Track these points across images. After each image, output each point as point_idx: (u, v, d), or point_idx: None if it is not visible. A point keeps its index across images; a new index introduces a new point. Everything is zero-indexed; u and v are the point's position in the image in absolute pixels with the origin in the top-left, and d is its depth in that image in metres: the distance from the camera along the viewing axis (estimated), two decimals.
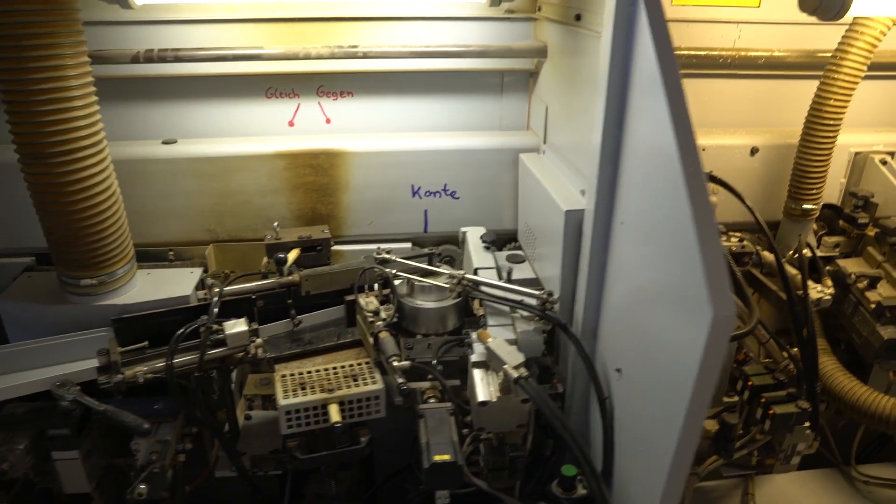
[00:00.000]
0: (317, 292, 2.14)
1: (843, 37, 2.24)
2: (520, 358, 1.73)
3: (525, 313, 1.95)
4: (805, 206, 2.44)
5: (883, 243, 2.43)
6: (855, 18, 2.22)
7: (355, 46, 2.18)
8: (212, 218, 2.31)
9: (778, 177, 2.50)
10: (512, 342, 1.88)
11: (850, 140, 2.57)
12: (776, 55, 2.42)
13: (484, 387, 1.77)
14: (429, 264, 2.15)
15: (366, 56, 2.18)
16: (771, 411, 1.95)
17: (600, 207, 1.64)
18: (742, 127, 2.56)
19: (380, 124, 2.36)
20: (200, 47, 2.15)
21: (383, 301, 2.04)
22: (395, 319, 2.00)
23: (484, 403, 1.74)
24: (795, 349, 2.30)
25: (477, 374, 1.81)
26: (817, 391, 2.05)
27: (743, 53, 2.40)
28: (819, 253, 2.54)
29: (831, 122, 2.31)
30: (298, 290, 2.10)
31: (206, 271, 2.18)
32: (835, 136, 2.34)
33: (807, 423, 1.99)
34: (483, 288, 2.02)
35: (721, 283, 1.16)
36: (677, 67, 1.34)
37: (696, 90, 2.51)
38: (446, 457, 1.68)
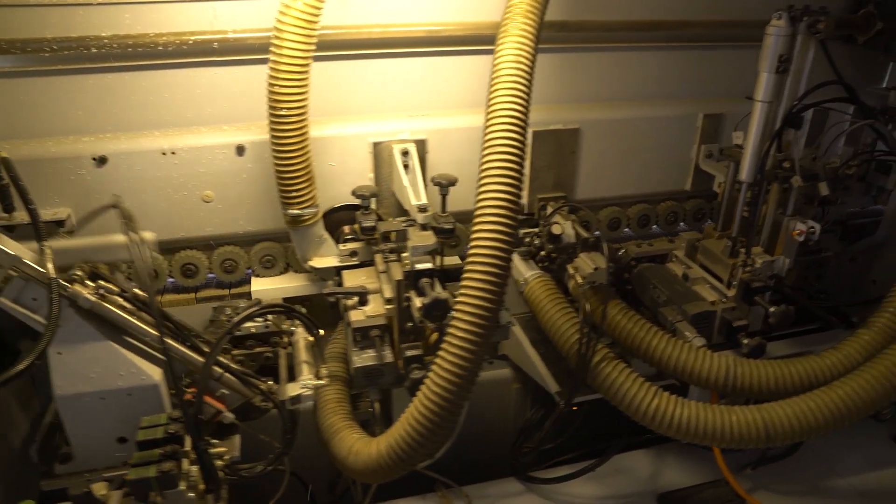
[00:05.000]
0: None
1: (278, 11, 1.87)
2: None
3: None
4: (292, 213, 2.08)
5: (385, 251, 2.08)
6: None
7: None
8: None
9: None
10: None
11: (370, 129, 2.21)
12: (231, 37, 2.04)
13: None
14: None
15: None
16: (127, 476, 1.61)
17: None
18: (236, 122, 2.18)
19: None
20: None
21: None
22: None
23: None
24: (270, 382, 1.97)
25: None
26: (203, 447, 1.70)
27: (188, 38, 2.02)
28: (335, 263, 2.19)
29: (286, 111, 1.94)
30: None
31: None
32: (300, 127, 1.97)
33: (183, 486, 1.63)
34: None
35: None
36: None
37: (170, 83, 2.12)
38: None
